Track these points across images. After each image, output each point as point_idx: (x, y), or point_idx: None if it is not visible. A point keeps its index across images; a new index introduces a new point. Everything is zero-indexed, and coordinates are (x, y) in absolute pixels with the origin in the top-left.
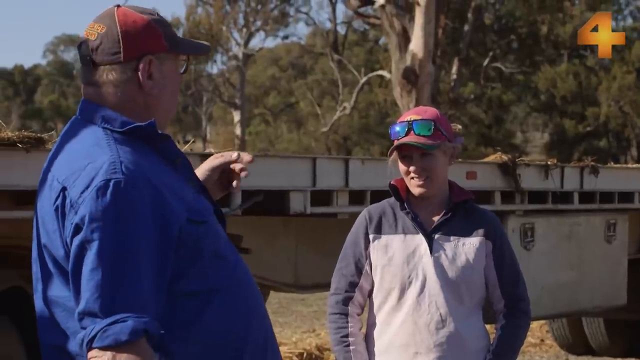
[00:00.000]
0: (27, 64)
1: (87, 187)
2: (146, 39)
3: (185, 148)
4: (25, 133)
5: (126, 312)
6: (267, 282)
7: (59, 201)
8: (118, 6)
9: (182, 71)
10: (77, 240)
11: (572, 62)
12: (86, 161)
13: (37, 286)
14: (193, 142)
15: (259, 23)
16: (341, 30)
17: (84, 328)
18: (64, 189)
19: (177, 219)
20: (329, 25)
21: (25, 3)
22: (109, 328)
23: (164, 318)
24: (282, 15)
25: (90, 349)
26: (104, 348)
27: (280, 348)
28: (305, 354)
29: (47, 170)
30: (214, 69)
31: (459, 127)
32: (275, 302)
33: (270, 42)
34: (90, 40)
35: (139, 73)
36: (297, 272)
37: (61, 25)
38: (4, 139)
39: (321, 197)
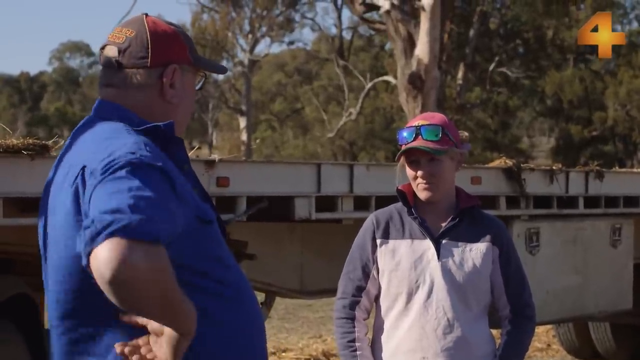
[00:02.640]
0: (33, 71)
1: (108, 156)
2: (173, 48)
3: (190, 154)
4: (30, 140)
5: (156, 213)
6: (272, 288)
7: (78, 179)
8: (146, 14)
9: (198, 87)
10: (93, 190)
11: (578, 66)
12: (107, 142)
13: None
14: (199, 148)
15: (264, 29)
16: (347, 35)
17: (101, 221)
18: (83, 167)
19: (190, 206)
20: (334, 30)
21: (30, 10)
22: (143, 222)
23: None
24: (288, 21)
25: (110, 236)
26: (134, 241)
27: (287, 354)
28: None
29: (59, 164)
30: (219, 75)
31: (466, 134)
32: (281, 307)
33: (276, 48)
34: (118, 43)
35: (163, 80)
36: (303, 277)
37: (67, 32)
38: (8, 146)
39: (326, 202)
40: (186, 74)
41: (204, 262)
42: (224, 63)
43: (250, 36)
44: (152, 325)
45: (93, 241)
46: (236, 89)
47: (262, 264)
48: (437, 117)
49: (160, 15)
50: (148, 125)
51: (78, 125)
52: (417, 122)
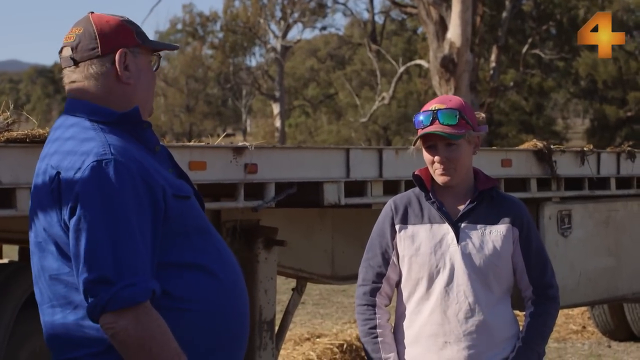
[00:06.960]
0: None
1: (79, 168)
2: (119, 34)
3: (218, 140)
4: None
5: (133, 275)
6: (303, 274)
7: (54, 184)
8: (91, 12)
9: (154, 69)
10: (75, 218)
11: (612, 47)
12: (77, 146)
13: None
14: (233, 135)
15: (296, 15)
16: (379, 20)
17: (93, 296)
18: (58, 173)
19: (163, 192)
20: (366, 15)
21: (64, 1)
22: (121, 291)
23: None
24: (320, 7)
25: (102, 314)
26: (118, 311)
27: (321, 339)
28: (345, 345)
29: (41, 161)
30: (252, 61)
31: (482, 115)
32: (316, 293)
33: (308, 34)
34: (70, 42)
35: (116, 64)
36: (334, 263)
37: None
38: (44, 136)
39: (355, 187)
40: (138, 56)
41: (184, 236)
42: (257, 50)
43: (282, 22)
44: None
45: (92, 314)
46: (269, 75)
47: (292, 250)
48: (454, 100)
49: (192, 3)
50: (115, 116)
51: (55, 124)
52: (433, 105)
